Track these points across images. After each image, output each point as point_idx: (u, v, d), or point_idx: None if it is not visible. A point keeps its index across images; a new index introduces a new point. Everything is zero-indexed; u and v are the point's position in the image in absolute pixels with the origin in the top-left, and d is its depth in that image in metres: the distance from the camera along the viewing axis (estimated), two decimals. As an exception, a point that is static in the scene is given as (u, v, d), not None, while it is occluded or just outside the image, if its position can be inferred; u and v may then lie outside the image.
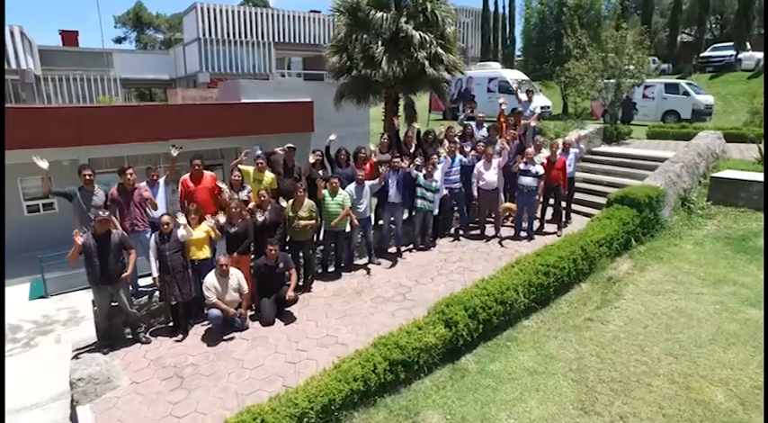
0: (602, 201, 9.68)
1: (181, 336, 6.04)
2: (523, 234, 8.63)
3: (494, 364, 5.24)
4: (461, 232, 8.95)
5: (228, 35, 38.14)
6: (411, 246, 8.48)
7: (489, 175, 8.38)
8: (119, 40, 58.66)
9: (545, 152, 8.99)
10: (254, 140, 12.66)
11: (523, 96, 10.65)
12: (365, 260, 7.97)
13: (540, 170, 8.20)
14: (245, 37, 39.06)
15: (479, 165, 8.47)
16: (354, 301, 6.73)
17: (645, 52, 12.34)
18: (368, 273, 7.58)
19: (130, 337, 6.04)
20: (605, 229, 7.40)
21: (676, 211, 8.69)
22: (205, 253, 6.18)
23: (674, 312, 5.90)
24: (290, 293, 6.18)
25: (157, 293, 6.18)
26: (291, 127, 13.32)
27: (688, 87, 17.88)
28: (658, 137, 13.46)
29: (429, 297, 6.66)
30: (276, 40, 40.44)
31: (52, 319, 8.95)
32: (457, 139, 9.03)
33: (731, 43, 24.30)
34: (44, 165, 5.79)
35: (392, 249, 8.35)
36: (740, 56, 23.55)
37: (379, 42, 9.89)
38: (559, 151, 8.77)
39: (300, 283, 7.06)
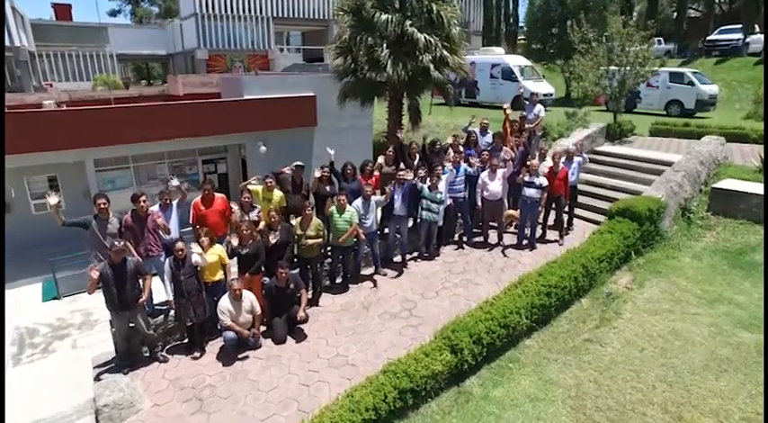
0: (605, 205, 9.86)
1: (197, 354, 6.30)
2: (525, 242, 8.83)
3: (497, 390, 5.52)
4: (465, 239, 9.15)
5: (226, 10, 37.35)
6: (416, 254, 8.69)
7: (494, 186, 8.51)
8: (113, 14, 57.27)
9: (548, 161, 9.08)
10: (257, 136, 12.74)
11: (527, 89, 10.61)
12: (371, 270, 8.18)
13: (544, 182, 8.32)
14: (243, 11, 38.26)
15: (484, 175, 8.58)
16: (362, 316, 6.97)
17: (650, 52, 12.23)
18: (374, 285, 7.80)
19: (148, 355, 6.30)
20: (606, 245, 7.59)
21: (676, 221, 8.86)
22: (218, 275, 6.38)
23: (670, 335, 6.16)
24: (301, 314, 6.41)
25: (172, 312, 6.40)
26: (295, 122, 13.33)
27: (693, 77, 17.74)
28: (661, 134, 13.47)
29: (434, 313, 6.93)
30: (275, 14, 39.67)
31: (67, 322, 9.19)
32: (461, 147, 9.10)
33: (739, 26, 23.86)
34: (53, 201, 5.90)
35: (397, 258, 8.56)
36: (748, 39, 23.20)
37: (384, 45, 9.83)
38: (563, 160, 8.88)
39: (309, 296, 7.29)
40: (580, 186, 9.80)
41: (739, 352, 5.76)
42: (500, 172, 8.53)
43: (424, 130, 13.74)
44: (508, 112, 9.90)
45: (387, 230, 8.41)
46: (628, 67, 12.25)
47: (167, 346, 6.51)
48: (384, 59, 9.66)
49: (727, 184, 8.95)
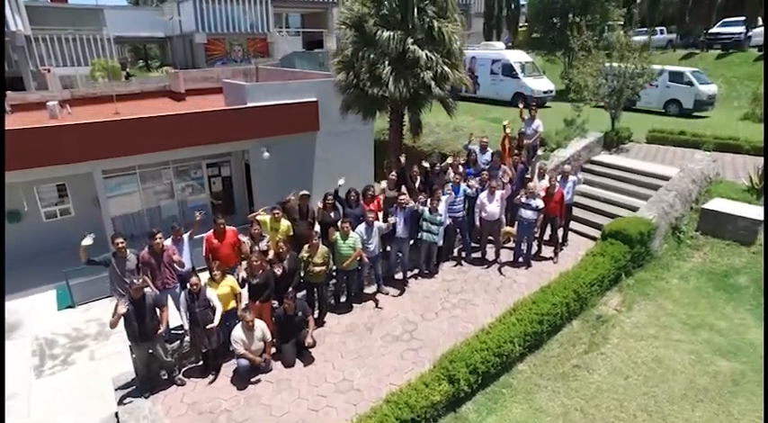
0: (599, 219, 10.25)
1: (212, 376, 6.76)
2: (522, 259, 9.22)
3: (491, 417, 5.99)
4: (464, 255, 9.54)
5: (224, -8, 36.71)
6: (416, 271, 9.09)
7: (492, 207, 8.84)
8: (109, -7, 56.09)
9: (545, 181, 9.38)
10: (261, 142, 12.96)
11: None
12: (374, 288, 8.59)
13: (541, 204, 8.66)
14: (242, -8, 37.61)
15: (483, 196, 8.90)
16: (366, 338, 7.41)
17: (649, 62, 12.38)
18: (377, 305, 8.22)
19: (166, 378, 6.76)
20: (597, 269, 7.97)
21: (666, 240, 9.23)
22: (230, 305, 6.78)
23: (654, 362, 6.61)
24: (309, 340, 6.85)
25: (188, 338, 6.83)
26: (297, 127, 13.55)
27: (692, 77, 17.83)
28: (658, 141, 13.71)
29: (434, 336, 7.37)
30: (273, -5, 38.90)
31: (83, 332, 9.60)
32: (461, 167, 9.38)
33: (742, 18, 23.69)
34: (88, 242, 6.25)
35: (399, 275, 8.97)
36: (750, 33, 23.11)
37: (386, 61, 9.97)
38: (558, 179, 9.21)
39: (315, 316, 7.72)
40: (576, 198, 10.12)
41: (716, 381, 6.21)
42: (498, 193, 8.85)
43: (424, 129, 13.92)
44: (508, 131, 10.13)
45: (389, 248, 8.78)
46: (626, 75, 12.40)
47: (184, 369, 6.96)
48: (386, 76, 9.83)
49: (716, 204, 9.28)
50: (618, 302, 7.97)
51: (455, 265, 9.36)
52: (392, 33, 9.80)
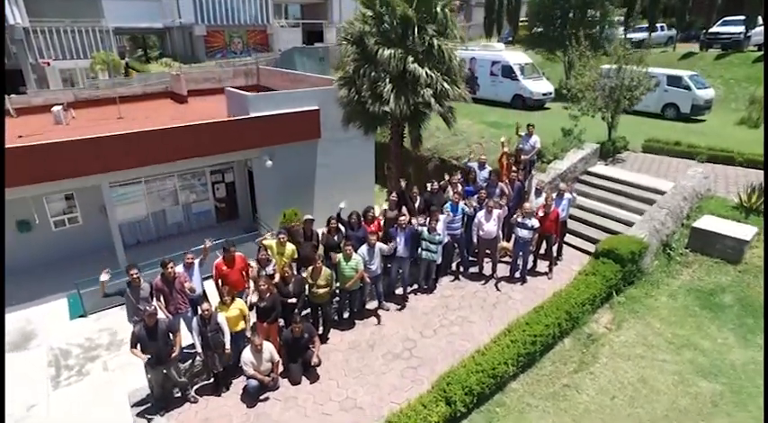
0: (593, 233, 10.58)
1: (223, 392, 7.17)
2: (518, 274, 9.59)
3: (484, 437, 6.41)
4: (462, 270, 9.90)
5: (224, -18, 36.49)
6: (416, 286, 9.46)
7: (489, 226, 9.17)
8: (107, -17, 55.38)
9: (541, 199, 9.69)
10: (264, 151, 13.23)
11: (523, 133, 11.09)
12: (375, 304, 8.96)
13: (536, 224, 8.99)
14: (242, -17, 37.37)
15: (480, 215, 9.22)
16: (368, 356, 7.80)
17: (646, 76, 12.61)
18: (378, 321, 8.60)
19: (179, 395, 7.16)
20: (589, 288, 8.34)
21: (657, 257, 9.58)
22: (240, 326, 7.15)
23: (639, 382, 7.01)
24: (315, 360, 7.24)
25: (199, 358, 7.21)
26: (299, 135, 13.82)
27: (690, 81, 18.02)
28: (653, 151, 13.98)
29: (432, 354, 7.76)
30: (273, -15, 38.65)
31: (95, 342, 9.99)
32: (460, 186, 9.69)
33: (742, 18, 23.70)
34: (105, 278, 6.58)
35: (399, 290, 9.34)
36: (750, 33, 23.16)
37: (387, 79, 10.19)
38: (554, 196, 9.54)
39: (320, 332, 8.12)
40: (571, 210, 10.42)
41: (696, 402, 6.62)
42: (496, 212, 9.17)
43: (424, 134, 14.14)
44: (505, 148, 10.40)
45: (390, 266, 9.13)
46: (623, 87, 12.62)
47: (196, 387, 7.35)
48: (387, 94, 10.06)
49: (705, 222, 9.60)
50: (608, 320, 8.35)
51: (453, 280, 9.72)
52: (393, 51, 10.00)
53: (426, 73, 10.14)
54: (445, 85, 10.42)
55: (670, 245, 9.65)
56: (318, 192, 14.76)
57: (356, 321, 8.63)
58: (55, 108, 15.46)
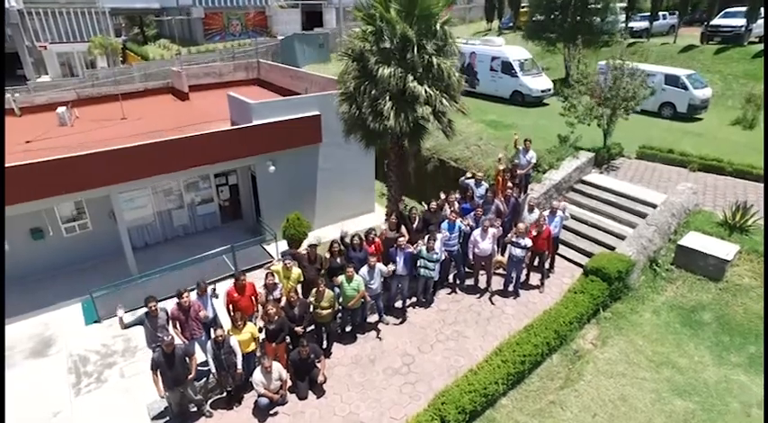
0: (585, 245, 11.06)
1: (236, 406, 7.78)
2: (511, 288, 10.11)
3: (476, 452, 7.03)
4: (458, 282, 10.42)
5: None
6: (414, 299, 9.99)
7: (484, 245, 9.64)
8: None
9: (535, 215, 10.14)
10: (267, 157, 13.57)
11: (520, 148, 11.42)
12: (376, 317, 9.51)
13: (529, 243, 9.46)
14: (240, -38, 36.78)
15: (476, 233, 9.68)
16: (369, 371, 8.38)
17: (642, 85, 12.84)
18: (378, 334, 9.16)
19: (195, 410, 7.76)
20: (578, 307, 8.86)
21: (644, 272, 10.08)
22: (251, 348, 7.70)
23: (619, 400, 7.61)
24: (320, 378, 7.82)
25: (213, 376, 7.78)
26: (301, 140, 14.14)
27: (687, 81, 18.18)
28: (647, 158, 14.31)
29: (429, 370, 8.35)
30: (271, -35, 38.04)
31: (111, 349, 10.53)
32: (457, 204, 10.11)
33: (743, 9, 23.55)
34: (121, 313, 7.07)
35: (398, 303, 9.88)
36: (751, 26, 23.08)
37: (387, 97, 10.44)
38: (547, 213, 10.00)
39: (324, 346, 8.71)
40: (564, 222, 10.85)
41: (670, 421, 7.23)
42: (491, 231, 9.62)
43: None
44: (501, 166, 10.76)
45: (390, 281, 9.63)
46: (619, 97, 12.88)
47: (210, 401, 7.95)
48: (387, 113, 10.32)
49: (690, 240, 10.05)
50: (594, 336, 8.91)
51: (450, 293, 10.25)
52: (393, 70, 10.21)
53: (425, 91, 10.39)
54: (444, 102, 10.68)
55: (657, 261, 10.14)
56: (320, 194, 15.17)
57: (358, 335, 9.19)
58: (59, 109, 15.69)
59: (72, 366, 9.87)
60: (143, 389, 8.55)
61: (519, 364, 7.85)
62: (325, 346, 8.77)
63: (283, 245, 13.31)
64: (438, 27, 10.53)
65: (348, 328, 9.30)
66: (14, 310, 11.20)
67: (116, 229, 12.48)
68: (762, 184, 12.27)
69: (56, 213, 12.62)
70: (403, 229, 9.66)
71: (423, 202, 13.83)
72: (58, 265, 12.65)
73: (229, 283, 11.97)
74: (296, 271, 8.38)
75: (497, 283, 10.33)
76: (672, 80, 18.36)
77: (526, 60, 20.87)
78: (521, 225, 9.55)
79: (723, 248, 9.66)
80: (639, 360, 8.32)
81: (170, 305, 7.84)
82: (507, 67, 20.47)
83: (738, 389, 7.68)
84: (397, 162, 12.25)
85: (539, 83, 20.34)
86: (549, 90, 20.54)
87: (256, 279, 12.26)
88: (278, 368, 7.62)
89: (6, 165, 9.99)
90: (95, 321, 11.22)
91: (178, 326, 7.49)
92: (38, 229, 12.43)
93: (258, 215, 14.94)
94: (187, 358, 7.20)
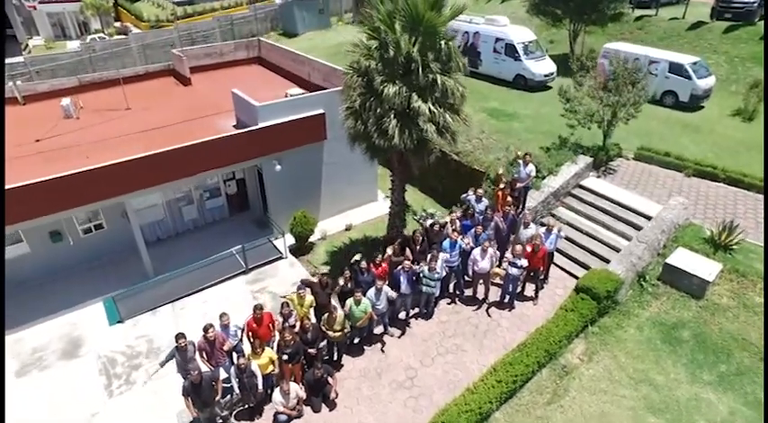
0: (579, 254, 11.71)
1: (257, 418, 8.72)
2: (506, 300, 10.86)
3: (471, 466, 8.02)
4: (458, 293, 11.16)
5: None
6: (417, 310, 10.76)
7: (483, 263, 10.28)
8: None
9: (531, 230, 10.71)
10: (273, 157, 13.89)
11: (520, 162, 11.77)
12: (381, 329, 10.31)
13: (525, 264, 10.11)
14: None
15: (476, 252, 10.29)
16: (376, 385, 9.27)
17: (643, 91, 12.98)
18: (383, 347, 10.00)
19: (221, 422, 8.70)
20: (567, 326, 9.64)
21: (632, 286, 10.78)
22: (269, 370, 8.51)
23: (600, 417, 8.54)
24: (333, 395, 8.71)
25: (236, 393, 8.67)
26: (306, 139, 14.42)
27: (691, 70, 18.09)
28: (644, 159, 14.63)
29: (430, 384, 9.26)
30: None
31: (135, 350, 11.34)
32: (458, 221, 10.65)
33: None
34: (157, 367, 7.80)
35: (402, 314, 10.66)
36: (763, 2, 22.50)
37: (392, 115, 10.65)
38: (543, 230, 10.58)
39: (335, 358, 9.59)
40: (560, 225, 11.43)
41: (643, 438, 8.19)
42: (490, 251, 10.23)
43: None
44: (501, 185, 11.18)
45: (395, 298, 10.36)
46: (619, 103, 13.05)
47: (234, 412, 8.88)
48: (392, 131, 10.57)
49: (677, 258, 10.64)
50: (582, 351, 9.75)
51: (450, 303, 11.02)
52: (398, 88, 10.36)
53: (430, 109, 10.59)
54: (448, 119, 10.89)
55: (644, 276, 10.81)
56: (325, 187, 15.59)
57: (365, 347, 10.02)
58: (63, 101, 15.73)
59: (102, 368, 10.72)
60: (170, 390, 9.37)
61: (511, 384, 8.72)
62: (335, 358, 9.63)
63: (290, 239, 13.97)
64: (443, 44, 10.56)
65: (356, 340, 10.12)
66: (43, 310, 11.98)
67: (130, 227, 13.01)
68: (753, 193, 12.75)
69: (73, 218, 13.10)
70: (408, 251, 10.26)
71: (422, 191, 14.22)
72: (77, 264, 13.30)
73: (241, 279, 12.89)
74: (309, 298, 9.07)
75: (494, 293, 11.06)
76: (676, 69, 18.27)
77: (530, 42, 20.55)
78: (518, 247, 10.14)
79: (707, 268, 10.30)
80: (621, 377, 9.20)
81: (197, 333, 8.57)
82: (511, 50, 20.21)
83: (706, 407, 8.59)
84: (401, 169, 12.61)
85: (542, 67, 20.17)
86: (552, 74, 20.40)
87: (268, 276, 13.17)
88: (295, 388, 8.47)
89: (24, 182, 10.39)
90: (118, 321, 12.00)
91: (204, 355, 8.24)
92: (56, 232, 12.97)
93: (266, 210, 15.43)
94: (213, 383, 8.02)
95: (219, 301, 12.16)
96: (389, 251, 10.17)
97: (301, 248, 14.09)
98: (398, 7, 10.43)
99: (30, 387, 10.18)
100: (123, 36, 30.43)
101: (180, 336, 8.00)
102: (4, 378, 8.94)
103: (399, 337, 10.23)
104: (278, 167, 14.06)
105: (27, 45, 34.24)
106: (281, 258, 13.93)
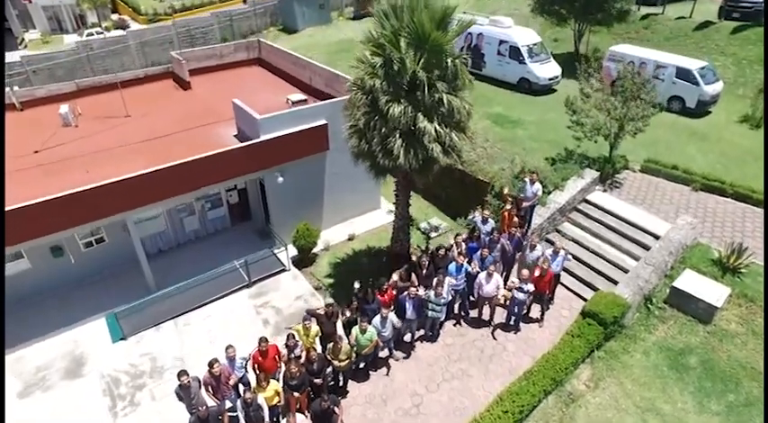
0: (585, 273, 11.62)
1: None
2: (512, 322, 10.79)
3: (478, 499, 8.02)
4: (463, 315, 11.08)
5: None
6: (422, 332, 10.69)
7: (489, 288, 10.19)
8: None
9: (537, 252, 10.60)
10: (276, 169, 13.72)
11: (527, 180, 11.60)
12: (386, 353, 10.26)
13: (531, 288, 10.02)
14: None
15: (482, 277, 10.19)
16: (382, 412, 9.24)
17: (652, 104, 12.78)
18: (389, 372, 9.94)
19: (227, 451, 8.69)
20: (574, 352, 9.57)
21: (638, 309, 10.70)
22: (275, 401, 8.46)
23: (606, 448, 8.53)
24: (338, 425, 8.69)
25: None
26: (309, 150, 14.23)
27: (698, 76, 17.79)
28: (651, 172, 14.43)
29: (435, 411, 9.21)
30: None
31: (139, 369, 11.28)
32: (463, 244, 10.52)
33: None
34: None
35: (407, 337, 10.59)
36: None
37: (397, 134, 10.44)
38: (550, 252, 10.48)
39: (340, 384, 9.55)
40: (566, 243, 11.31)
41: (647, 471, 8.17)
42: (495, 276, 10.14)
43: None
44: (508, 206, 11.03)
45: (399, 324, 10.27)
46: (627, 117, 12.84)
47: (239, 442, 8.85)
48: (397, 151, 10.37)
49: (684, 281, 10.53)
50: (588, 377, 9.70)
51: (455, 324, 10.95)
52: (403, 108, 10.14)
53: (436, 129, 10.39)
54: (455, 138, 10.69)
55: (651, 298, 10.72)
56: (328, 197, 15.43)
57: (370, 372, 9.97)
58: (61, 109, 15.46)
59: (106, 388, 10.67)
60: (174, 410, 9.29)
61: (518, 414, 8.68)
62: (341, 384, 9.59)
63: (293, 250, 13.85)
64: (450, 62, 10.31)
65: (362, 365, 10.06)
66: (44, 327, 11.90)
67: (131, 240, 12.88)
68: (761, 210, 12.60)
69: (74, 234, 12.95)
70: (414, 277, 10.16)
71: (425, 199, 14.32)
72: (78, 278, 13.19)
73: (244, 293, 12.81)
74: (314, 328, 8.98)
75: (500, 314, 10.98)
76: (683, 74, 17.98)
77: (535, 45, 20.19)
78: (524, 271, 10.03)
79: (714, 293, 10.21)
80: (627, 405, 9.16)
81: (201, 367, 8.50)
82: (515, 53, 19.86)
83: (714, 439, 8.59)
84: (405, 184, 12.44)
85: (547, 70, 19.84)
86: (557, 78, 20.09)
87: (271, 290, 13.08)
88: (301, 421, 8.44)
89: (24, 203, 10.24)
90: (121, 339, 11.93)
91: (210, 389, 8.18)
92: (57, 248, 12.83)
93: (267, 221, 15.29)
94: (220, 417, 7.98)
95: (223, 316, 12.12)
96: (395, 277, 10.06)
97: (304, 260, 13.99)
98: (403, 24, 10.16)
99: (33, 408, 10.16)
100: (121, 30, 29.92)
101: (182, 373, 7.93)
102: (4, 378, 8.76)
103: (405, 360, 10.17)
104: (280, 179, 13.90)
105: (23, 39, 33.68)
106: (284, 271, 13.83)
